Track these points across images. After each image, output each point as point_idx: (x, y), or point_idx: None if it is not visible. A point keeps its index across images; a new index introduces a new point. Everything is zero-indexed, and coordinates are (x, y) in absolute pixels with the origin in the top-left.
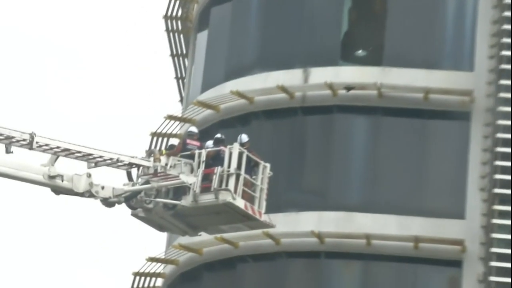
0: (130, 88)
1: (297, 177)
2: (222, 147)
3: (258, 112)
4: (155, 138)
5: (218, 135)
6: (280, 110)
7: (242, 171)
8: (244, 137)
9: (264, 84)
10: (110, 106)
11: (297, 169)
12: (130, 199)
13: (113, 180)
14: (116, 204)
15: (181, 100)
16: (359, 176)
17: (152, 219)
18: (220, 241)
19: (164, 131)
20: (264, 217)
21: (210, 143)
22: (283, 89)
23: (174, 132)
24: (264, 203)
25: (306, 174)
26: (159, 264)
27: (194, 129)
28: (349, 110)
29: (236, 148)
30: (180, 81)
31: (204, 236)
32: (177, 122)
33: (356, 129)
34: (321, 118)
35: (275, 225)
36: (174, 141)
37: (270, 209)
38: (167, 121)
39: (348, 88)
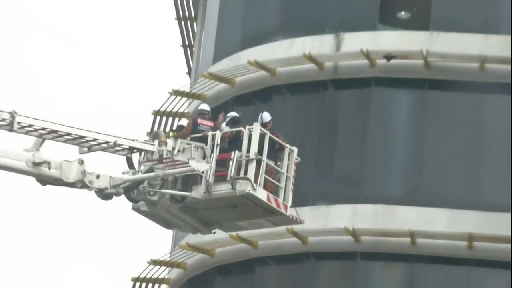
0: (129, 59)
1: (328, 164)
2: (241, 128)
3: (281, 86)
4: (158, 118)
5: (233, 114)
6: (307, 83)
7: (264, 157)
8: (266, 116)
9: (288, 52)
10: (106, 82)
11: (327, 154)
12: (131, 190)
13: (110, 168)
14: (114, 196)
15: (189, 73)
16: (401, 162)
17: (157, 213)
18: (236, 240)
19: (169, 109)
20: (291, 212)
21: (233, 113)
22: (310, 58)
23: (181, 110)
24: (290, 195)
25: (338, 160)
26: (163, 267)
27: (206, 106)
28: (390, 83)
29: (257, 128)
30: (188, 49)
31: (217, 234)
32: (184, 99)
33: (398, 106)
34: (356, 93)
35: (304, 221)
36: (183, 122)
37: (296, 202)
38: (173, 97)
39: (389, 57)
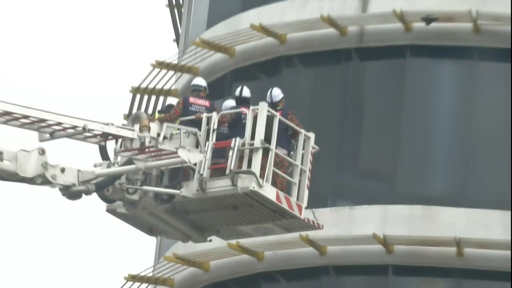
0: (103, 23)
1: (352, 154)
2: (242, 109)
3: (293, 56)
4: (139, 96)
5: (245, 92)
6: (325, 53)
7: (273, 145)
8: (277, 93)
9: (302, 14)
10: (75, 51)
11: (351, 141)
12: (105, 187)
13: (79, 159)
14: (84, 195)
15: (177, 40)
16: (445, 152)
17: (138, 216)
18: (237, 250)
19: (152, 86)
20: (306, 214)
21: (229, 103)
22: (330, 21)
23: (167, 87)
24: (306, 193)
25: (365, 149)
26: (144, 285)
27: (200, 81)
28: (430, 53)
29: (264, 109)
30: (176, 10)
31: (214, 243)
32: (171, 72)
33: (440, 81)
34: (387, 65)
35: (322, 226)
36: (171, 101)
37: (313, 203)
38: (157, 70)
39: (428, 19)
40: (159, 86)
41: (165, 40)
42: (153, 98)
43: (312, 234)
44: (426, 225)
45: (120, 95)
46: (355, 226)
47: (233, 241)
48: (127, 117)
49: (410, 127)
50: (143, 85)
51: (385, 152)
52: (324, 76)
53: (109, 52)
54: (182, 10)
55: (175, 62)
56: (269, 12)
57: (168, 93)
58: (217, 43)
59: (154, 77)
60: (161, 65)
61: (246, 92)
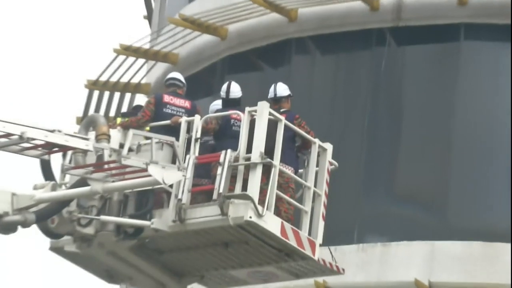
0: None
1: (385, 174)
2: (234, 111)
3: (305, 38)
4: (97, 94)
5: (233, 90)
6: (350, 34)
7: (277, 159)
8: (282, 89)
9: None
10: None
11: (384, 156)
12: (49, 217)
13: (13, 179)
14: (20, 227)
15: (149, 17)
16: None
17: (93, 257)
18: None
19: (114, 79)
20: (321, 254)
21: (216, 104)
22: None
23: (135, 80)
24: (321, 226)
25: (404, 167)
26: (141, 61)
27: (178, 75)
28: (492, 33)
29: (264, 111)
30: None
31: None
32: (141, 60)
33: (506, 70)
34: (433, 49)
35: (344, 270)
36: (140, 100)
37: (331, 238)
38: (121, 57)
39: None
40: (124, 80)
41: (133, 17)
42: (117, 95)
43: (332, 280)
44: (488, 268)
45: (73, 91)
46: (390, 269)
47: None
48: (81, 121)
49: (466, 135)
50: (103, 78)
51: (431, 170)
52: (348, 66)
53: (58, 35)
54: None
55: (147, 46)
56: None
57: (136, 88)
58: (204, 21)
59: (118, 67)
60: (127, 50)
61: (235, 90)
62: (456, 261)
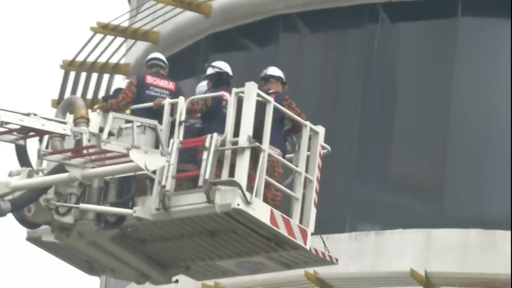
0: None
1: (379, 159)
2: (223, 92)
3: (293, 15)
4: (73, 75)
5: (220, 65)
6: (340, 10)
7: (266, 143)
8: (273, 69)
9: None
10: None
11: (378, 140)
12: (25, 205)
13: None
14: None
15: None
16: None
17: (72, 247)
18: None
19: (91, 59)
20: (313, 243)
21: (203, 85)
22: None
23: (113, 60)
24: (313, 214)
25: (398, 152)
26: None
27: (159, 55)
28: (492, 9)
29: (252, 91)
30: None
31: (182, 285)
32: (120, 39)
33: (505, 49)
34: (429, 27)
35: (337, 260)
36: (120, 83)
37: (323, 226)
38: (98, 36)
39: None
40: (102, 60)
41: None
42: (94, 77)
43: (323, 271)
44: (486, 258)
45: (48, 72)
46: (384, 259)
47: (210, 282)
48: (56, 104)
49: (463, 117)
50: (80, 58)
51: (426, 155)
52: (339, 44)
53: (32, 12)
54: None
55: (125, 24)
56: None
57: (115, 69)
58: None
59: (96, 47)
60: (105, 28)
61: (226, 67)
62: (452, 250)
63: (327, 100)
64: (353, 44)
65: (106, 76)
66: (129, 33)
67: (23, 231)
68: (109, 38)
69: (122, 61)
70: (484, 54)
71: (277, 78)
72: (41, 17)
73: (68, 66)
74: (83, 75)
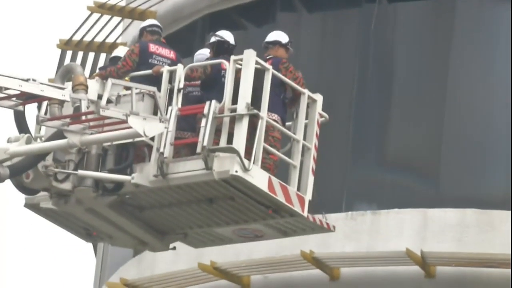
0: None
1: (375, 138)
2: (221, 60)
3: None
4: (70, 54)
5: (224, 34)
6: None
7: (264, 111)
8: (269, 36)
9: None
10: None
11: (374, 120)
12: (23, 171)
13: None
14: None
15: None
16: (507, 134)
17: (70, 214)
18: (212, 274)
19: (88, 39)
20: (311, 210)
21: (204, 53)
22: None
23: (110, 40)
24: (311, 181)
25: (394, 131)
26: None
27: (158, 22)
28: None
29: (251, 59)
30: None
31: (179, 257)
32: (116, 19)
33: (503, 31)
34: (427, 7)
35: (334, 227)
36: (118, 51)
37: (317, 206)
38: (95, 16)
39: None
40: (99, 39)
41: None
42: (91, 56)
43: (319, 250)
44: (483, 238)
45: (44, 52)
46: (381, 239)
47: (207, 262)
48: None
49: (460, 98)
50: (76, 38)
51: (423, 134)
52: (336, 24)
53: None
54: None
55: (122, 3)
56: None
57: (111, 48)
58: None
59: (92, 26)
60: (101, 8)
61: (228, 36)
62: (449, 230)
63: (324, 80)
64: (350, 24)
65: (102, 56)
66: (126, 13)
67: (21, 197)
68: (106, 17)
69: (119, 40)
70: (482, 34)
71: (274, 43)
72: None
73: (65, 45)
74: (80, 54)
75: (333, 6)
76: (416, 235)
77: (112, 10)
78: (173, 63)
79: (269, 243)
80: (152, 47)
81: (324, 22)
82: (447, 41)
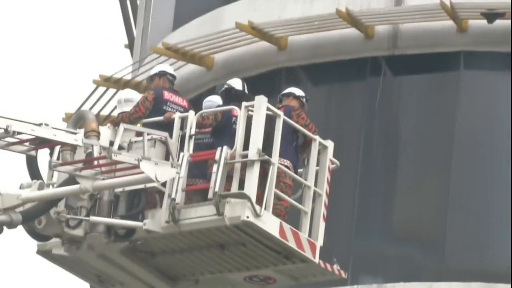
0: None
1: (380, 210)
2: (232, 106)
3: (296, 68)
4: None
5: (235, 82)
6: (343, 63)
7: (275, 157)
8: (291, 88)
9: (309, 9)
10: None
11: (379, 191)
12: (35, 217)
13: None
14: (5, 228)
15: (131, 45)
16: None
17: (82, 260)
18: None
19: (94, 112)
20: (321, 256)
21: (213, 100)
22: (349, 18)
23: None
24: (322, 227)
25: (399, 203)
26: None
27: (172, 70)
28: (493, 62)
29: (262, 105)
30: (129, 2)
31: None
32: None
33: (506, 101)
34: (432, 80)
35: (345, 274)
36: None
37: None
38: (101, 89)
39: (491, 14)
40: (104, 113)
41: (113, 46)
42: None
43: None
44: None
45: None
46: None
47: None
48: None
49: (465, 169)
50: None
51: (428, 206)
52: (341, 97)
53: (38, 64)
54: (138, 2)
55: (128, 77)
56: (262, 6)
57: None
58: (188, 50)
59: (98, 100)
60: (107, 81)
61: (235, 83)
62: None
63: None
64: (356, 96)
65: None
66: (132, 86)
67: (33, 244)
68: (111, 91)
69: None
70: (485, 107)
71: (288, 95)
72: (44, 70)
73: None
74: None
75: (338, 79)
76: None
77: (118, 84)
78: (186, 111)
79: None
80: (167, 95)
81: (329, 94)
82: (451, 113)
